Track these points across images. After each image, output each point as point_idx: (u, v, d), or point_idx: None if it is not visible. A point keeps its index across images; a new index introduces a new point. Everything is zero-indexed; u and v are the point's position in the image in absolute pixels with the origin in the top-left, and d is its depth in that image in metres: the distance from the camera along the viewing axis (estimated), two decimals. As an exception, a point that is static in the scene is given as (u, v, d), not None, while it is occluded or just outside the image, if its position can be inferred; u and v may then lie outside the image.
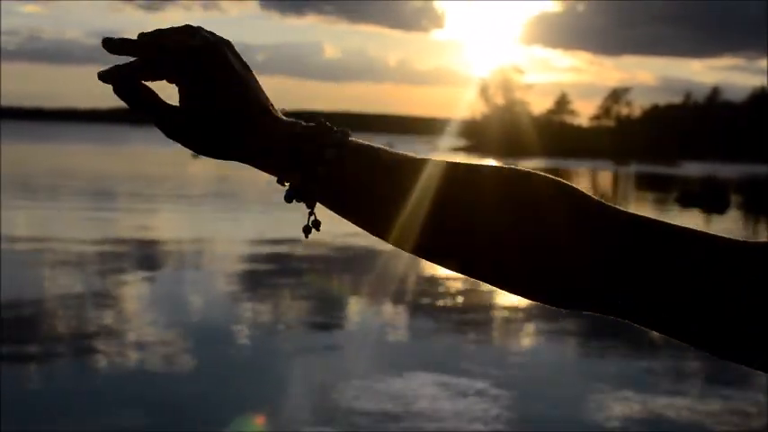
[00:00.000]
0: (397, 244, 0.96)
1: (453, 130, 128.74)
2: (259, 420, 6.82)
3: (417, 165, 0.95)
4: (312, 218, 0.99)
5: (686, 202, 36.04)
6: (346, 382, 8.25)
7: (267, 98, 1.00)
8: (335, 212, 0.98)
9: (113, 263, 14.92)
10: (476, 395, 8.03)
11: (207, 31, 1.01)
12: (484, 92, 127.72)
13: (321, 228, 0.99)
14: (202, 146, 1.00)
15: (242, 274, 14.30)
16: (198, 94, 0.97)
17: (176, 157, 64.22)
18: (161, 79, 1.00)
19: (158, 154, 72.56)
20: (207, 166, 51.12)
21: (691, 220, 29.94)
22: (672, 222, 0.92)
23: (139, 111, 0.99)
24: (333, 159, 0.94)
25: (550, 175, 0.96)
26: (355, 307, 12.30)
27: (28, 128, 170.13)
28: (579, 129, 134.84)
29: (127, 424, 7.02)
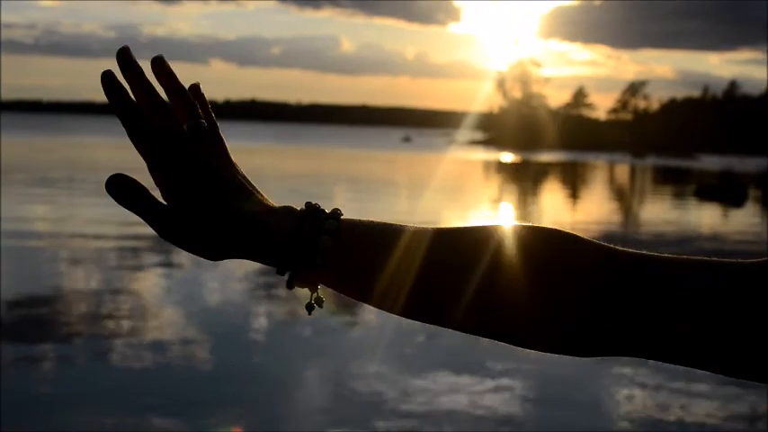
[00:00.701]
0: (407, 316, 0.98)
1: (471, 123, 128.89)
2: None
3: (412, 238, 0.96)
4: (315, 295, 0.99)
5: (704, 195, 35.93)
6: (365, 380, 8.25)
7: (251, 185, 1.00)
8: (337, 291, 0.98)
9: (130, 255, 14.96)
10: (494, 390, 8.03)
11: (207, 112, 1.02)
12: (501, 85, 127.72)
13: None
14: (197, 250, 0.98)
15: (259, 267, 14.29)
16: (183, 194, 0.96)
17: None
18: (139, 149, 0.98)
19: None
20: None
21: (708, 213, 29.84)
22: (670, 255, 0.93)
23: (124, 203, 0.98)
24: (330, 247, 0.95)
25: (548, 227, 0.97)
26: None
27: (46, 121, 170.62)
28: (597, 122, 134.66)
29: (142, 417, 7.03)
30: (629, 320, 0.91)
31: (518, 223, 0.97)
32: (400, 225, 0.98)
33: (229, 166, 0.99)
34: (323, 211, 0.97)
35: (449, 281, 0.94)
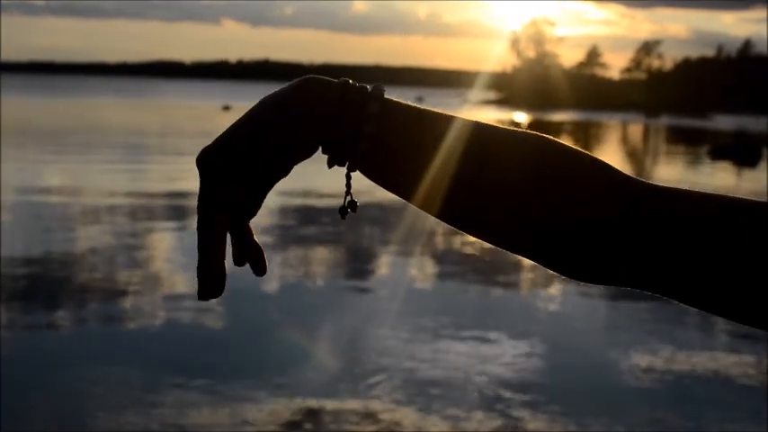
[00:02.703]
0: (444, 211, 0.92)
1: (484, 82, 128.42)
2: None
3: (458, 122, 0.92)
4: (348, 198, 0.95)
5: (718, 155, 35.83)
6: (375, 341, 8.27)
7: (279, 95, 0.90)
8: (375, 177, 0.92)
9: (143, 216, 14.98)
10: (505, 347, 8.04)
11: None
12: (515, 45, 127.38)
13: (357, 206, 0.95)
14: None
15: (271, 227, 14.29)
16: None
17: (206, 110, 64.27)
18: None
19: (188, 106, 72.58)
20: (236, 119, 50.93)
21: (723, 173, 29.74)
22: (703, 191, 0.89)
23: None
24: (378, 113, 0.89)
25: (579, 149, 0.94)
26: (385, 261, 12.31)
27: (59, 82, 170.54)
28: (610, 81, 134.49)
29: (156, 378, 7.06)
30: (650, 255, 0.86)
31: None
32: (441, 113, 0.93)
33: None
34: (365, 88, 0.90)
35: (488, 173, 0.90)
